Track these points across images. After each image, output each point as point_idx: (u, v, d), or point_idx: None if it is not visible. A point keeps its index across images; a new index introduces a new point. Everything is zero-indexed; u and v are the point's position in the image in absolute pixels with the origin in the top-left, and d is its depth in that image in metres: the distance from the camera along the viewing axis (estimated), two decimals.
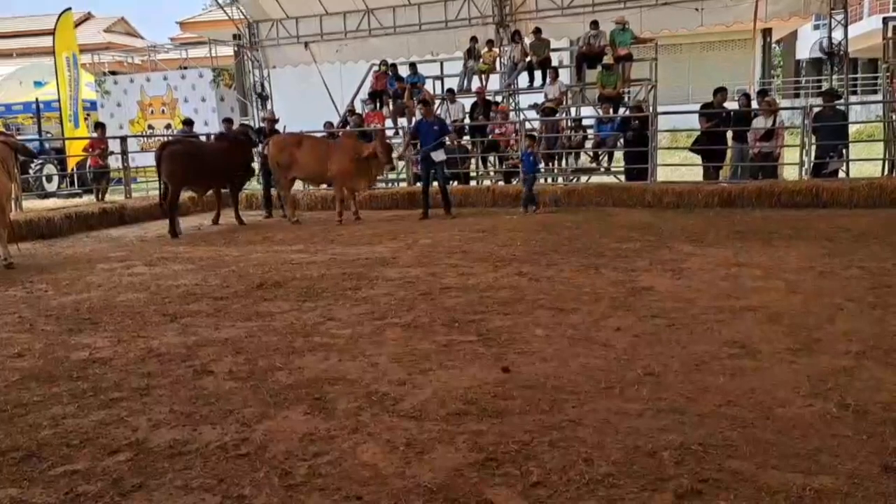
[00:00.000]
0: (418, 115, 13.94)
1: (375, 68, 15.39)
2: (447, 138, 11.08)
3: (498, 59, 14.67)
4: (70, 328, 5.11)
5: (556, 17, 14.69)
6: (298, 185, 12.24)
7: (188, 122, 13.74)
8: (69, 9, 17.54)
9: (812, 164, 11.08)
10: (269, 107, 16.79)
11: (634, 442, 2.94)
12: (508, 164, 13.18)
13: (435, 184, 10.80)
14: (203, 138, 12.99)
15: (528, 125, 13.47)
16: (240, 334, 4.77)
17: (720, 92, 11.63)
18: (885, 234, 7.64)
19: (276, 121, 12.89)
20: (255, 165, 12.40)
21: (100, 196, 14.13)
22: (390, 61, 15.22)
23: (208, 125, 16.15)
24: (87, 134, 16.64)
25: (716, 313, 4.81)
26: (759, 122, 11.20)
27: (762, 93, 12.83)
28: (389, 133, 13.51)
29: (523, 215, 10.45)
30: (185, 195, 11.62)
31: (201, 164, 10.32)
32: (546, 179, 13.51)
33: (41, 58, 25.31)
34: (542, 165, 13.64)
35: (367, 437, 3.10)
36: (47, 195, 15.35)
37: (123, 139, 13.57)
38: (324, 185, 12.31)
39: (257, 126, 14.05)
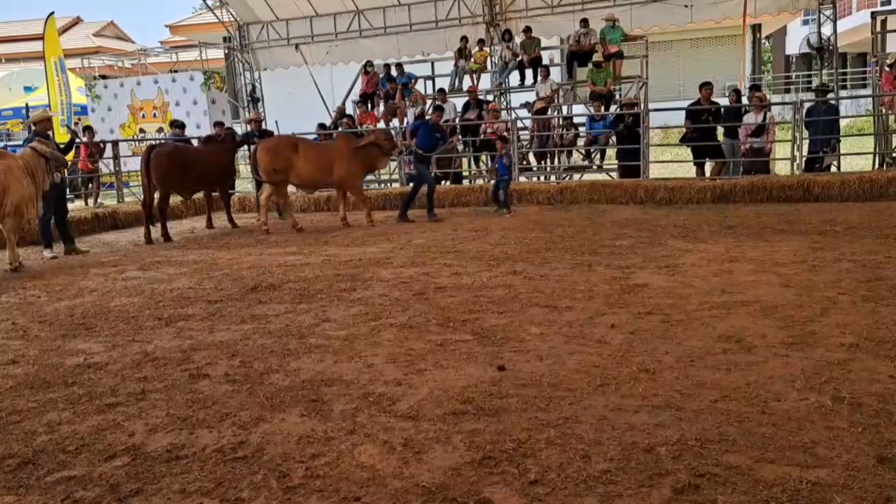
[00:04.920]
0: (411, 116, 13.97)
1: (368, 69, 15.37)
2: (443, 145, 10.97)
3: (489, 58, 14.69)
4: (64, 334, 5.09)
5: (547, 16, 14.72)
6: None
7: (177, 125, 13.68)
8: (52, 13, 17.47)
9: (804, 160, 11.14)
10: (260, 109, 16.75)
11: (631, 438, 2.94)
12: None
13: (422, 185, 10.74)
14: (194, 142, 12.95)
15: (519, 124, 13.50)
16: (235, 337, 4.76)
17: (706, 86, 11.65)
18: (876, 227, 7.68)
19: (262, 121, 12.75)
20: (245, 168, 12.33)
21: (93, 200, 14.08)
22: (380, 62, 15.22)
23: (200, 128, 16.11)
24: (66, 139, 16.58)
25: (710, 309, 4.83)
26: (750, 118, 11.24)
27: (753, 88, 12.86)
28: None
29: (496, 214, 10.44)
30: (175, 199, 11.57)
31: (189, 168, 10.27)
32: (539, 178, 13.53)
33: (30, 63, 25.18)
34: (533, 163, 13.69)
35: (364, 437, 3.10)
36: None
37: (115, 143, 13.52)
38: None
39: (246, 130, 13.89)
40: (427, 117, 11.08)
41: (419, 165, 10.75)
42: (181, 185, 10.46)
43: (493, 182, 11.25)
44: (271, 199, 10.57)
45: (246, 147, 11.89)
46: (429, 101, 14.69)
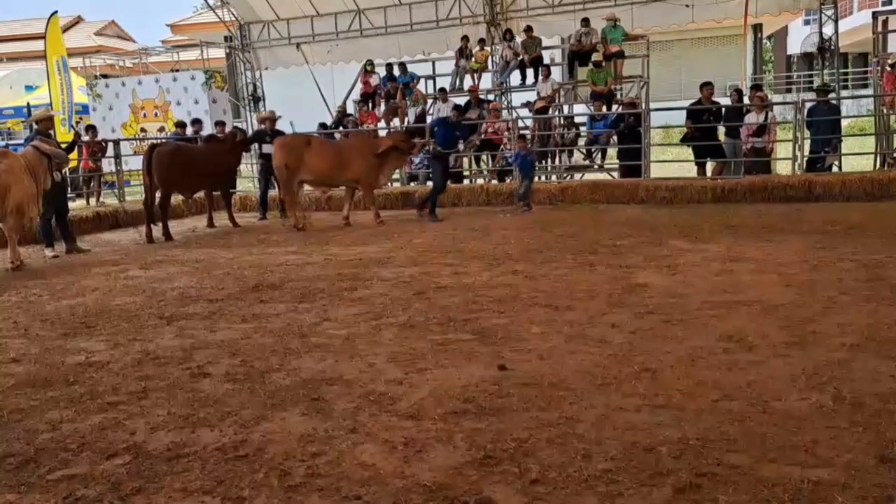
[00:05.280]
0: (411, 116, 13.97)
1: (369, 69, 15.36)
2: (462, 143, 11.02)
3: (490, 57, 14.68)
4: (66, 332, 5.09)
5: (548, 15, 14.71)
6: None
7: (181, 125, 13.66)
8: (56, 12, 17.47)
9: (805, 159, 11.13)
10: (261, 108, 16.73)
11: (632, 437, 2.94)
12: (499, 163, 13.17)
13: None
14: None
15: (520, 123, 13.50)
16: (236, 336, 4.76)
17: (706, 86, 11.64)
18: (877, 227, 7.68)
19: (276, 119, 12.62)
20: (246, 168, 12.25)
21: (95, 200, 14.08)
22: (380, 61, 15.21)
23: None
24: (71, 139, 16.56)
25: (711, 308, 4.83)
26: (752, 118, 11.24)
27: (754, 88, 12.86)
28: (382, 134, 13.47)
29: (514, 212, 10.45)
30: (176, 198, 11.57)
31: (190, 167, 10.28)
32: (540, 177, 13.52)
33: (31, 62, 25.17)
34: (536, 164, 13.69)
35: (365, 437, 3.10)
36: None
37: (116, 142, 13.53)
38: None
39: (257, 127, 13.73)
40: (447, 115, 11.10)
41: (435, 164, 10.71)
42: (182, 184, 10.47)
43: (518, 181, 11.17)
44: (299, 195, 10.60)
45: (257, 146, 11.86)
46: (429, 101, 14.70)
